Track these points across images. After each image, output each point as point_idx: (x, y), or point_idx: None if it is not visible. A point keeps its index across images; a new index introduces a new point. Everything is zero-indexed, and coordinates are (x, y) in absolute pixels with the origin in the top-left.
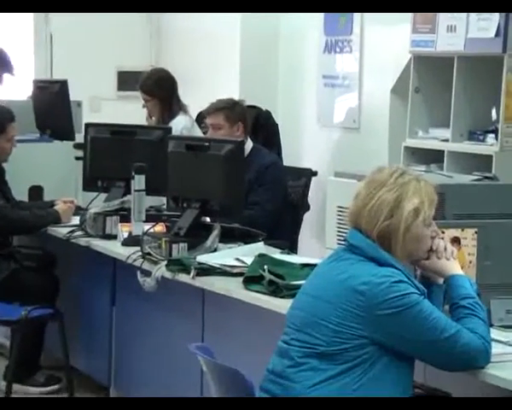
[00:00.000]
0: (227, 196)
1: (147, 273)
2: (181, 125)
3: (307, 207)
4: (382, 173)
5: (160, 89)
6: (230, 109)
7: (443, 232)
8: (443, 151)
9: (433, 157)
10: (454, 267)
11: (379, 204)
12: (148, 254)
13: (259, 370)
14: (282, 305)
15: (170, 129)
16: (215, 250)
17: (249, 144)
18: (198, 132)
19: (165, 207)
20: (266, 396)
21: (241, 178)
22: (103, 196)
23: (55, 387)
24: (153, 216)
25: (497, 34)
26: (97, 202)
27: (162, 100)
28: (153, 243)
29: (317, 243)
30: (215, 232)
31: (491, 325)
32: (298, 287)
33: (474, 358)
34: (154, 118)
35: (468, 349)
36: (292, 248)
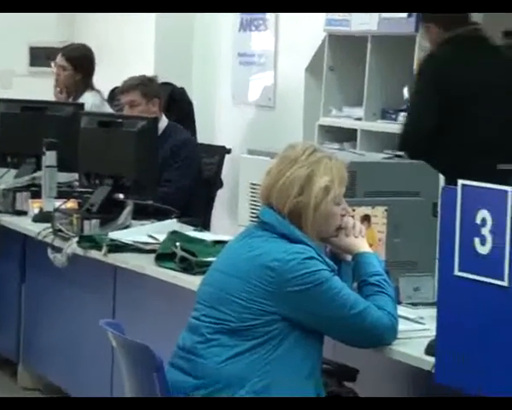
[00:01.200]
0: (140, 172)
1: (58, 250)
2: (89, 102)
3: (220, 185)
4: (294, 150)
5: (84, 63)
6: (146, 85)
7: (354, 210)
8: (356, 130)
9: (346, 135)
10: (362, 245)
11: (290, 181)
12: (60, 230)
13: (171, 346)
14: (193, 281)
15: (82, 105)
16: (128, 227)
17: (164, 121)
18: (108, 110)
19: (77, 183)
20: (175, 372)
21: (154, 154)
22: (14, 172)
23: None
24: (64, 192)
25: (409, 14)
26: (7, 178)
27: (82, 75)
28: (64, 219)
29: (229, 221)
30: (128, 209)
31: (400, 303)
32: (210, 264)
33: (382, 334)
34: (61, 91)
35: (376, 326)
36: (205, 225)
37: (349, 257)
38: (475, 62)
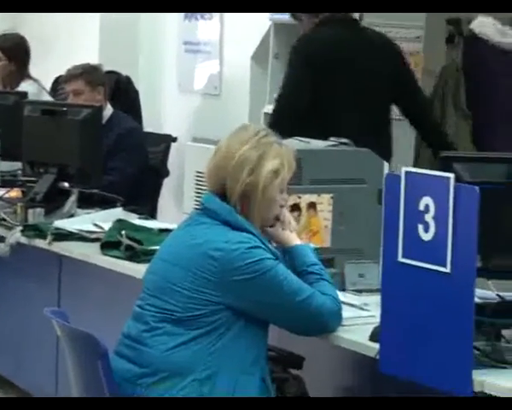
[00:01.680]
0: (85, 161)
1: (1, 239)
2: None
3: (167, 173)
4: (247, 131)
5: (18, 53)
6: (90, 74)
7: (299, 198)
8: None
9: None
10: (296, 239)
11: (241, 161)
12: (3, 219)
13: (116, 334)
14: (139, 270)
15: (25, 94)
16: (72, 216)
17: (109, 110)
18: (47, 98)
19: (21, 172)
20: (120, 361)
21: (98, 143)
22: None
23: None
24: (8, 181)
25: None
26: None
27: (17, 64)
28: (8, 208)
29: (176, 209)
30: (73, 198)
31: (345, 290)
32: (155, 252)
33: (328, 319)
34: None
35: (321, 311)
36: (151, 213)
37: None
38: (344, 42)
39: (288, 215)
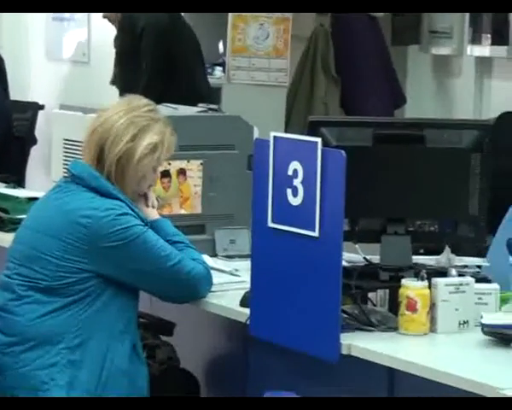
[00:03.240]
0: None
1: None
2: None
3: (34, 141)
4: (138, 101)
5: None
6: None
7: (169, 164)
8: None
9: None
10: (156, 214)
11: (128, 124)
12: None
13: None
14: (6, 239)
15: None
16: None
17: None
18: None
19: None
20: None
21: None
22: None
23: None
24: None
25: None
26: None
27: None
28: None
29: (44, 177)
30: None
31: (215, 255)
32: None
33: (199, 283)
34: None
35: (193, 275)
36: (19, 182)
37: None
38: (181, 27)
39: (151, 192)
